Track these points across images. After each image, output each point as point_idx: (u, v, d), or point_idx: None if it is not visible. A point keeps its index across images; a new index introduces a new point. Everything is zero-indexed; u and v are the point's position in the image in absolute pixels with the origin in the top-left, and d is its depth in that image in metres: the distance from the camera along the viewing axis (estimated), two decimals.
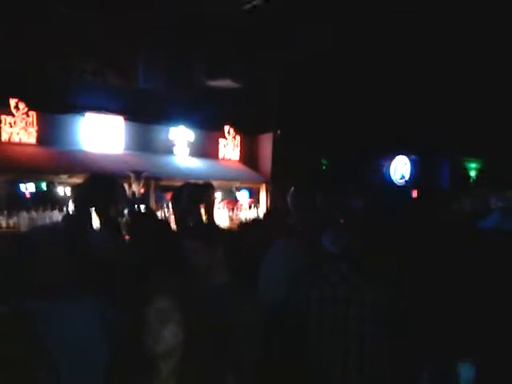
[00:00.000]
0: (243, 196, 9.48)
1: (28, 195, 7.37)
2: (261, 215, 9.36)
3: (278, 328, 2.79)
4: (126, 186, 7.14)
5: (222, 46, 9.38)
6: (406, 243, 3.79)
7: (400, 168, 12.04)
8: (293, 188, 7.43)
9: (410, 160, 11.97)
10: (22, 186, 7.37)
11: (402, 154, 11.91)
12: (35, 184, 7.46)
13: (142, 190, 7.20)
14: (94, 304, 2.14)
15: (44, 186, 7.57)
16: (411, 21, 8.55)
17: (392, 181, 11.88)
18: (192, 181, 8.22)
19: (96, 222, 3.33)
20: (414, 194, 10.71)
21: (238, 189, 9.42)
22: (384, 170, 12.00)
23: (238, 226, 4.44)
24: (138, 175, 7.11)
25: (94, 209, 3.27)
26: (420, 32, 8.81)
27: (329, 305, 2.77)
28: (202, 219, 6.39)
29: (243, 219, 8.35)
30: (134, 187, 7.08)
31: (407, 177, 11.82)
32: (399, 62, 9.55)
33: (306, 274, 3.00)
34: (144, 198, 7.11)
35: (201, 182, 8.42)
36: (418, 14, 8.28)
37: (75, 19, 7.91)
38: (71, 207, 6.14)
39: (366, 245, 3.65)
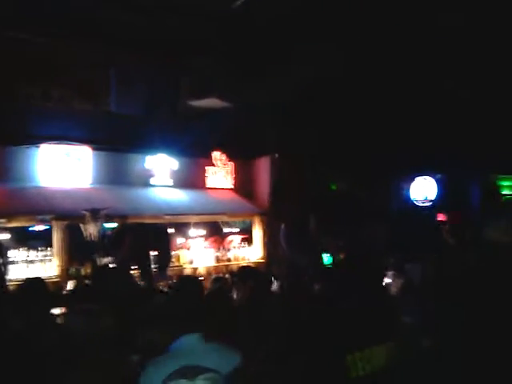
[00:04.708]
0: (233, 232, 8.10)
1: None
2: (251, 255, 7.97)
3: None
4: (82, 227, 5.91)
5: (209, 61, 8.17)
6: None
7: (423, 189, 10.51)
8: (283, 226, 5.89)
9: (436, 180, 10.45)
10: None
11: (425, 174, 10.40)
12: None
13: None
14: None
15: None
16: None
17: (414, 204, 10.34)
18: (167, 216, 6.95)
19: None
20: (440, 217, 9.12)
21: (228, 223, 8.04)
22: (404, 192, 10.48)
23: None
24: (95, 214, 5.82)
25: None
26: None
27: None
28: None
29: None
30: (91, 229, 5.78)
31: (432, 198, 10.27)
32: (419, 72, 8.07)
33: None
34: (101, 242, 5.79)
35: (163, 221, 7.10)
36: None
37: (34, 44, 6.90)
38: None
39: None
